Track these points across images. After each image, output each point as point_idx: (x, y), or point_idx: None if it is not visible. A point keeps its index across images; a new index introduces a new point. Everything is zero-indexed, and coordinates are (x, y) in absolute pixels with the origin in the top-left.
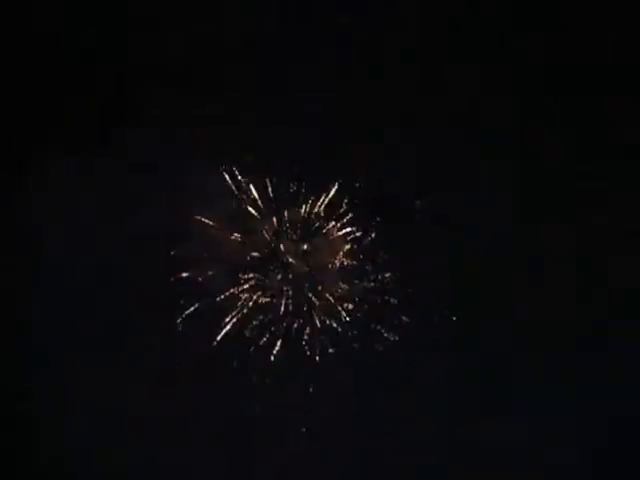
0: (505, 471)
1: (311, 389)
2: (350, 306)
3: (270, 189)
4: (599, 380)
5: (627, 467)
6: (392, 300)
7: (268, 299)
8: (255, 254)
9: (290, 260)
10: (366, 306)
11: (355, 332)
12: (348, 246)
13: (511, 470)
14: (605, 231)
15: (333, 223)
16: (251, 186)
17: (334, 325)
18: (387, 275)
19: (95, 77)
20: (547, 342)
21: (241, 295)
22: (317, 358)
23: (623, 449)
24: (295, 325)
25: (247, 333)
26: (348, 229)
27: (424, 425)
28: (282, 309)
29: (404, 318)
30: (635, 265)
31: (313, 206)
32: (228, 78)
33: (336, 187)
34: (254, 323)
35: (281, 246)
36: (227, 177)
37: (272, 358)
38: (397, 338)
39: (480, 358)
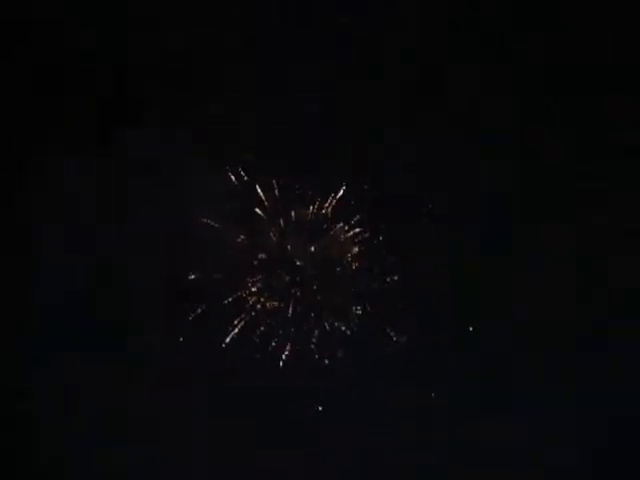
0: (505, 471)
1: (320, 392)
2: (359, 308)
3: (276, 190)
4: (599, 380)
5: (627, 467)
6: (401, 302)
7: (276, 302)
8: (262, 256)
9: (298, 262)
10: (375, 308)
11: (364, 335)
12: (357, 248)
13: (511, 470)
14: (605, 231)
15: (341, 224)
16: (257, 187)
17: (343, 328)
18: (395, 277)
19: (95, 77)
20: (547, 342)
21: (248, 298)
22: (326, 361)
23: (623, 449)
24: (303, 328)
25: (255, 337)
26: (357, 230)
27: (424, 425)
28: (290, 312)
29: (412, 320)
30: (635, 265)
31: (321, 207)
32: (228, 78)
33: (344, 188)
34: (262, 327)
35: (288, 248)
36: (232, 178)
37: (281, 363)
38: (406, 340)
39: (480, 358)
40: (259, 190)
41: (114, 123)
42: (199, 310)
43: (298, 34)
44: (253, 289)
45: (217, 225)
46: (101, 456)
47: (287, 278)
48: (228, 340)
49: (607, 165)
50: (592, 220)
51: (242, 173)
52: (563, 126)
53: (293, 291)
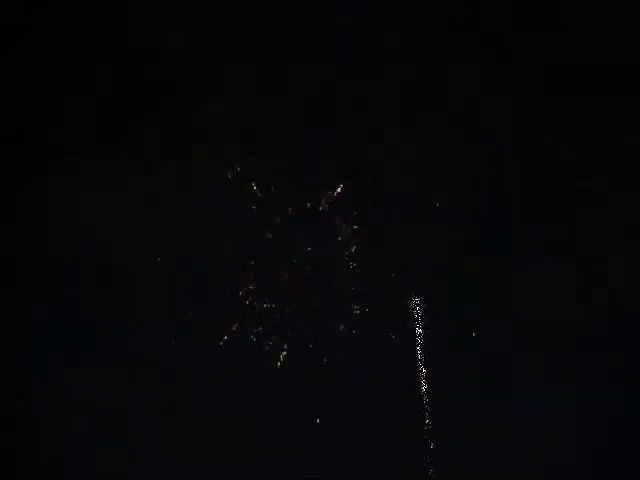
0: (505, 471)
1: (319, 391)
2: (358, 307)
3: (274, 188)
4: (599, 380)
5: (627, 467)
6: (400, 301)
7: (274, 301)
8: (259, 255)
9: (296, 260)
10: (374, 307)
11: (363, 333)
12: (355, 246)
13: (511, 470)
14: (605, 231)
15: (340, 223)
16: (255, 186)
17: (342, 327)
18: (394, 275)
19: (95, 77)
20: (547, 342)
21: (246, 297)
22: (325, 360)
23: (623, 449)
24: (302, 327)
25: (252, 336)
26: (355, 227)
27: (424, 425)
28: (289, 311)
29: (412, 319)
30: (635, 265)
31: (319, 206)
32: (228, 78)
33: (342, 186)
34: (259, 326)
35: (287, 246)
36: (231, 177)
37: (279, 364)
38: (406, 339)
39: (480, 358)
40: (257, 189)
41: (114, 123)
42: (197, 309)
43: (298, 34)
44: (251, 287)
45: (215, 224)
46: (101, 456)
47: (284, 277)
48: (226, 339)
49: (607, 165)
50: (592, 220)
51: (241, 172)
52: (563, 126)
53: (290, 290)
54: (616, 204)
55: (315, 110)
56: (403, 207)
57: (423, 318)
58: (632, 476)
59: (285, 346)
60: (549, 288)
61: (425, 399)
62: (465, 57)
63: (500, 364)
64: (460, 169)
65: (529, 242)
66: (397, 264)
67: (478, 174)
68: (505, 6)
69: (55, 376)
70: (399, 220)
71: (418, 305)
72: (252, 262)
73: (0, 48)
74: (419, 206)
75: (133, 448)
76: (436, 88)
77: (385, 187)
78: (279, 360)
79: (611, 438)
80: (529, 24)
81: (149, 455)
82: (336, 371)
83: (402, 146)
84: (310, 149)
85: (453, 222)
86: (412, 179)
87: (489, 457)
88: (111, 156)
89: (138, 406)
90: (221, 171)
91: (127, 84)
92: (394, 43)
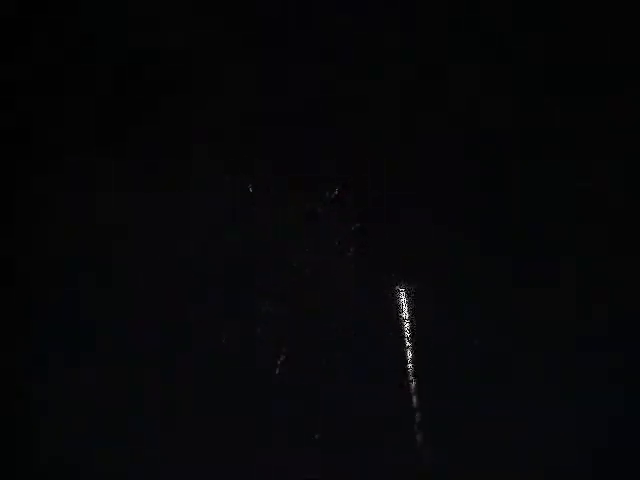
0: (505, 471)
1: (319, 391)
2: (358, 308)
3: (272, 189)
4: (599, 380)
5: (627, 467)
6: (400, 301)
7: (272, 304)
8: (260, 255)
9: (295, 263)
10: (374, 307)
11: (363, 335)
12: (356, 247)
13: (511, 470)
14: (605, 231)
15: (340, 223)
16: (252, 186)
17: (341, 329)
18: (394, 275)
19: (95, 77)
20: (547, 342)
21: (245, 297)
22: (325, 361)
23: (623, 449)
24: (301, 330)
25: (251, 339)
26: (355, 228)
27: (424, 425)
28: (287, 314)
29: (411, 319)
30: (635, 265)
31: (318, 206)
32: (228, 78)
33: (342, 187)
34: (258, 330)
35: (285, 248)
36: (228, 178)
37: (278, 364)
38: (406, 340)
39: (480, 358)
40: (256, 189)
41: (114, 123)
42: (197, 309)
43: (298, 34)
44: (250, 288)
45: (215, 224)
46: (101, 456)
47: (284, 277)
48: (225, 339)
49: (607, 165)
50: (592, 220)
51: (240, 173)
52: (563, 126)
53: (290, 290)
54: (616, 204)
55: (315, 110)
56: (404, 207)
57: (423, 318)
58: (632, 476)
59: (285, 347)
60: (549, 288)
61: (425, 399)
62: (465, 57)
63: (500, 364)
64: (460, 169)
65: (529, 242)
66: (397, 264)
67: (478, 174)
68: (505, 6)
69: (55, 376)
70: (399, 220)
71: (418, 305)
72: (252, 262)
73: (0, 48)
74: (419, 206)
75: (133, 448)
76: (436, 88)
77: (385, 187)
78: (279, 361)
79: (611, 438)
80: (529, 24)
81: (149, 455)
82: (336, 371)
83: (402, 146)
84: (310, 149)
85: (453, 222)
86: (412, 179)
87: (489, 457)
88: (111, 156)
89: (138, 406)
90: (221, 171)
91: (127, 84)
92: (394, 43)
